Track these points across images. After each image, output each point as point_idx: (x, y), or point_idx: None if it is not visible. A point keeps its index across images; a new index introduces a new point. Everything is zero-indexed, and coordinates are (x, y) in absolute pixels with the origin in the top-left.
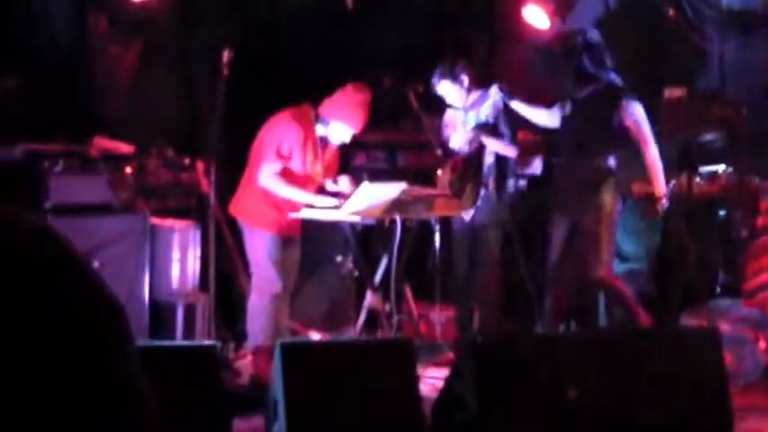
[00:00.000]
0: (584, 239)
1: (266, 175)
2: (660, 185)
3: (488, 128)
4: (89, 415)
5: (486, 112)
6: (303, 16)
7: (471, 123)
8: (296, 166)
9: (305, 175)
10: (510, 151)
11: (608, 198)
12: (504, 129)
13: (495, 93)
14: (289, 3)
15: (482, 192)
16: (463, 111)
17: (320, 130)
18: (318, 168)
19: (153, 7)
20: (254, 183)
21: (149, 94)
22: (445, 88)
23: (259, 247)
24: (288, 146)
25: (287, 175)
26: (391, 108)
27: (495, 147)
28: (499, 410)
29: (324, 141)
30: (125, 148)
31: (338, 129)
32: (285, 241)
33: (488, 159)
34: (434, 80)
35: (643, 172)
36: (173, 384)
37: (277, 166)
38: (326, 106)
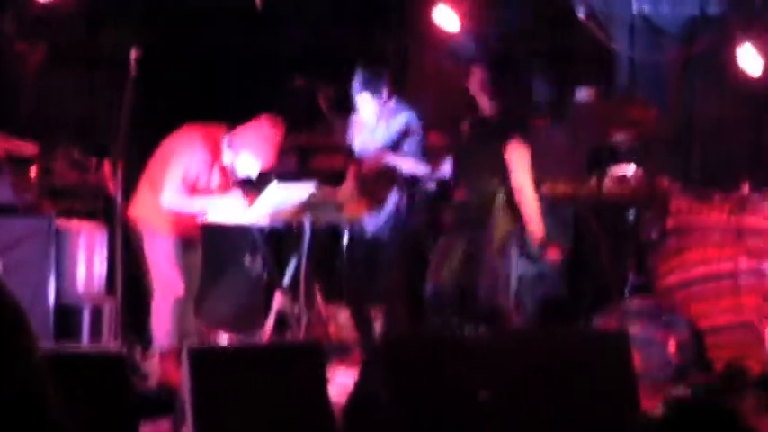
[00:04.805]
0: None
1: (170, 198)
2: None
3: (393, 146)
4: None
5: (395, 126)
6: (213, 16)
7: (380, 134)
8: (201, 184)
9: (209, 190)
10: (418, 168)
11: None
12: (411, 146)
13: (408, 115)
14: (198, 3)
15: (393, 195)
16: (375, 120)
17: (228, 157)
18: (221, 187)
19: (60, 6)
20: (153, 187)
21: (56, 93)
22: (364, 100)
23: (159, 249)
24: (194, 171)
25: (191, 191)
26: (302, 110)
27: (403, 165)
28: (411, 411)
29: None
30: (29, 148)
31: (247, 161)
32: (185, 243)
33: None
34: (355, 87)
35: (553, 173)
36: (79, 389)
37: (181, 188)
38: (239, 136)
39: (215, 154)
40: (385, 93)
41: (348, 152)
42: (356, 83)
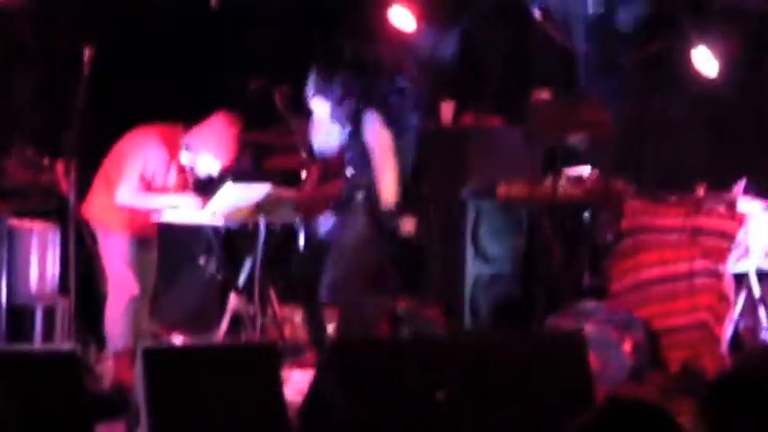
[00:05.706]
0: None
1: (126, 196)
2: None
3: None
4: None
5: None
6: (168, 16)
7: (335, 136)
8: (157, 183)
9: (165, 189)
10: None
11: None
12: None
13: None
14: (153, 2)
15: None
16: (331, 120)
17: (186, 158)
18: (178, 187)
19: (13, 5)
20: (109, 186)
21: (8, 93)
22: (316, 104)
23: (114, 249)
24: (151, 170)
25: (146, 189)
26: (258, 109)
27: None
28: (366, 412)
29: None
30: None
31: (206, 161)
32: (140, 243)
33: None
34: (309, 90)
35: (508, 174)
36: (31, 390)
37: (137, 185)
38: (195, 137)
39: (172, 153)
40: (338, 93)
41: (308, 152)
42: (309, 86)
